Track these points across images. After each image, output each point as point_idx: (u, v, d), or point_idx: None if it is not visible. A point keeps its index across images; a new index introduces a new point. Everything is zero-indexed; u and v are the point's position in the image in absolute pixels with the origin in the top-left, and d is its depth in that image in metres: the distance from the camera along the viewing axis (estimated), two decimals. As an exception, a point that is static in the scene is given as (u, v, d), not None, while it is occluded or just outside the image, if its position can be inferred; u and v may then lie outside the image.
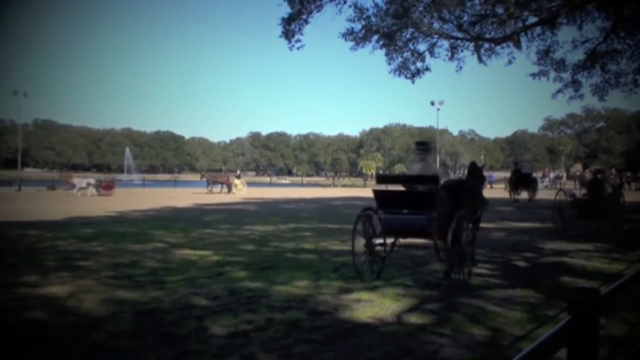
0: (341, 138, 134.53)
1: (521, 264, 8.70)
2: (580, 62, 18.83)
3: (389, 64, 17.88)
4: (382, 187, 7.83)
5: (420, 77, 18.15)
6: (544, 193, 32.68)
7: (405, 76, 18.09)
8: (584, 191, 13.37)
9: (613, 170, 32.36)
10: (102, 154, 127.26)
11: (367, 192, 38.31)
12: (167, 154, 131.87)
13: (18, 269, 7.72)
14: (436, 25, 17.22)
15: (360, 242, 7.20)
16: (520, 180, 26.26)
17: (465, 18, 17.00)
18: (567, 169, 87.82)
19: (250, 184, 53.86)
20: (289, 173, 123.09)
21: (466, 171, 9.69)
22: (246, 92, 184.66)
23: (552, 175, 54.79)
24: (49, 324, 5.10)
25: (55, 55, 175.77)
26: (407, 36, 17.31)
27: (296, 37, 16.13)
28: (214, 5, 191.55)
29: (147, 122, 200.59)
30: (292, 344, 4.51)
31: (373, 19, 16.59)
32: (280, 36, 16.22)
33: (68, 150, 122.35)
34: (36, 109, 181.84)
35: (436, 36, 17.46)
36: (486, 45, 17.69)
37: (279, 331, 4.87)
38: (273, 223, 14.81)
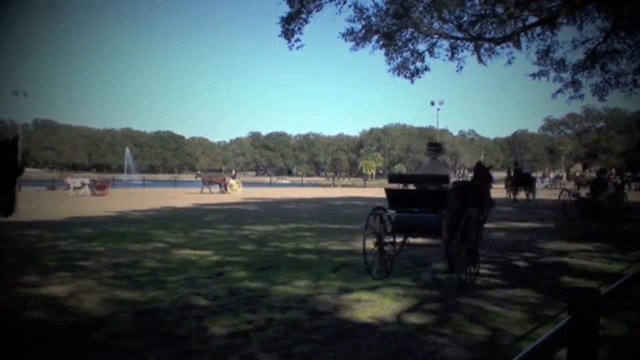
0: (341, 138, 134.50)
1: (521, 264, 8.71)
2: (580, 62, 18.82)
3: (389, 63, 17.89)
4: (394, 186, 8.04)
5: (419, 77, 18.15)
6: (544, 193, 32.70)
7: (405, 76, 18.08)
8: (586, 191, 13.45)
9: (613, 170, 32.36)
10: (102, 154, 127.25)
11: (367, 192, 38.51)
12: (167, 154, 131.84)
13: (18, 269, 7.72)
14: (436, 25, 17.22)
15: (371, 240, 7.34)
16: (520, 180, 26.35)
17: (465, 18, 16.99)
18: (567, 169, 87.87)
19: (250, 184, 53.87)
20: (289, 173, 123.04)
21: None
22: (246, 92, 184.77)
23: (552, 175, 54.78)
24: (49, 324, 5.10)
25: (55, 55, 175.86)
26: (407, 36, 17.31)
27: (296, 36, 16.13)
28: (214, 5, 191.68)
29: (147, 122, 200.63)
30: (292, 344, 4.51)
31: (373, 19, 16.59)
32: (280, 35, 16.22)
33: (68, 150, 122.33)
34: (36, 109, 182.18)
35: (436, 36, 17.45)
36: (486, 45, 17.68)
37: (279, 331, 4.87)
38: (273, 223, 14.81)
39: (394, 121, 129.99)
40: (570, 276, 7.55)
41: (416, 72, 17.99)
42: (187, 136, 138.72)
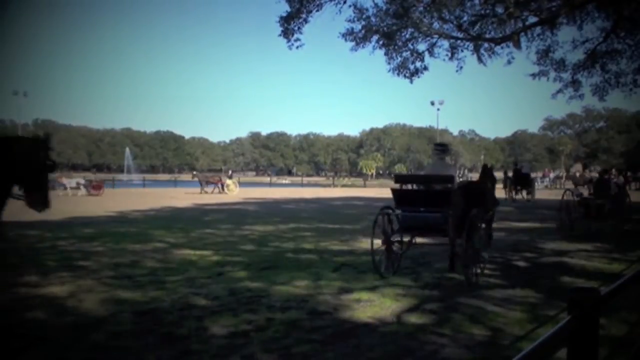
0: (341, 138, 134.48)
1: (521, 264, 8.71)
2: (580, 62, 18.81)
3: (389, 63, 17.89)
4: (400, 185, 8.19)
5: (418, 77, 18.14)
6: (544, 193, 32.70)
7: (404, 75, 18.07)
8: (589, 191, 13.61)
9: (613, 170, 32.37)
10: (102, 154, 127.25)
11: (367, 192, 38.53)
12: (167, 154, 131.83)
13: (18, 269, 7.72)
14: (436, 25, 17.21)
15: (378, 239, 7.47)
16: (519, 180, 26.42)
17: (465, 18, 16.98)
18: (567, 169, 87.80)
19: (250, 184, 53.88)
20: (289, 173, 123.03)
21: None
22: (246, 92, 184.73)
23: (552, 175, 54.81)
24: (49, 324, 5.10)
25: (55, 55, 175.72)
26: (407, 36, 17.30)
27: (295, 36, 16.11)
28: (214, 5, 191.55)
29: (147, 122, 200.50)
30: (292, 344, 4.51)
31: (373, 19, 16.58)
32: (280, 35, 16.21)
33: (68, 150, 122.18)
34: (36, 109, 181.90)
35: (436, 36, 17.45)
36: (486, 45, 17.67)
37: (279, 331, 4.87)
38: (273, 223, 14.82)
39: (394, 121, 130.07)
40: (570, 276, 7.55)
41: (415, 72, 17.99)
42: (187, 136, 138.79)
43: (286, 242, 10.86)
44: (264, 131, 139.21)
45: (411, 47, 17.60)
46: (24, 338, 4.66)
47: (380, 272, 7.28)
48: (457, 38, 17.46)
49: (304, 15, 15.75)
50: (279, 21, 16.04)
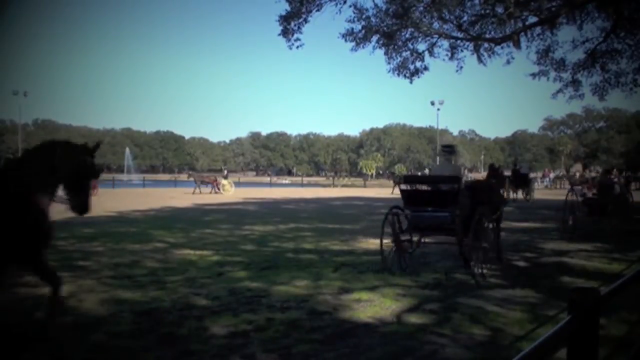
0: (341, 138, 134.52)
1: (521, 264, 8.71)
2: (580, 61, 18.81)
3: (388, 63, 17.89)
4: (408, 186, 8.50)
5: (418, 77, 18.14)
6: (544, 193, 32.72)
7: (404, 75, 18.07)
8: (593, 191, 13.83)
9: (614, 170, 32.45)
10: (102, 154, 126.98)
11: (367, 192, 38.55)
12: (167, 154, 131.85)
13: (18, 269, 7.71)
14: (436, 25, 17.21)
15: (387, 238, 7.72)
16: (518, 180, 26.49)
17: (465, 18, 16.98)
18: (567, 169, 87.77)
19: (250, 184, 53.85)
20: (289, 173, 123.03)
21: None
22: (246, 92, 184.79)
23: (552, 175, 54.86)
24: (48, 324, 5.10)
25: (55, 55, 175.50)
26: (407, 36, 17.31)
27: (295, 35, 16.11)
28: (214, 5, 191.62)
29: (147, 122, 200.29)
30: (292, 344, 4.51)
31: (373, 19, 16.57)
32: (279, 34, 16.20)
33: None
34: (36, 109, 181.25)
35: (436, 36, 17.45)
36: (486, 45, 17.67)
37: (279, 331, 4.87)
38: (273, 223, 14.82)
39: (394, 121, 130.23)
40: (570, 276, 7.55)
41: (415, 72, 17.99)
42: (187, 136, 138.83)
43: (286, 242, 10.86)
44: (264, 131, 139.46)
45: (411, 47, 17.62)
46: (23, 338, 4.66)
47: (390, 270, 7.49)
48: (457, 38, 17.47)
49: (304, 15, 15.75)
50: (279, 20, 16.03)
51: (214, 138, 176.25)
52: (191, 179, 37.58)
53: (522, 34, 16.88)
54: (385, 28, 16.65)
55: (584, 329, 2.16)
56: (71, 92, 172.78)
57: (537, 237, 12.04)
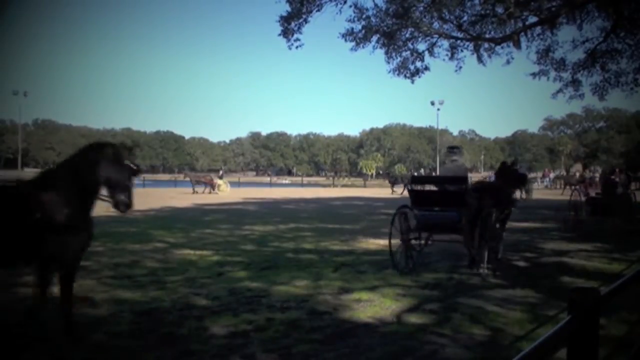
0: (341, 138, 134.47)
1: (521, 264, 8.71)
2: (581, 61, 18.79)
3: (388, 62, 17.87)
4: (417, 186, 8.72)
5: (419, 77, 18.11)
6: (544, 193, 32.70)
7: (405, 76, 18.05)
8: (597, 190, 14.03)
9: (617, 170, 32.55)
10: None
11: (367, 192, 38.56)
12: (167, 154, 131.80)
13: (18, 269, 7.71)
14: (436, 25, 17.19)
15: (396, 238, 7.85)
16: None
17: (465, 18, 16.96)
18: (567, 169, 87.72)
19: (250, 184, 53.82)
20: (289, 173, 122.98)
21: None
22: (246, 92, 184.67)
23: (552, 175, 54.88)
24: (49, 324, 5.10)
25: (55, 55, 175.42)
26: (407, 36, 17.29)
27: (295, 36, 16.09)
28: (214, 5, 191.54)
29: (147, 122, 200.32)
30: (292, 344, 4.51)
31: (373, 19, 16.56)
32: (280, 35, 16.19)
33: (68, 150, 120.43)
34: (36, 109, 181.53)
35: (436, 36, 17.43)
36: (486, 45, 17.66)
37: (279, 331, 4.87)
38: (273, 223, 14.82)
39: (394, 121, 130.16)
40: (570, 276, 7.55)
41: (416, 72, 17.97)
42: (187, 136, 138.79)
43: (286, 242, 10.86)
44: (264, 131, 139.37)
45: (411, 47, 17.59)
46: (23, 338, 4.66)
47: (398, 269, 7.61)
48: (457, 38, 17.45)
49: (304, 15, 15.74)
50: (279, 21, 16.02)
51: (214, 138, 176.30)
52: (187, 178, 37.51)
53: (522, 34, 16.87)
54: (385, 28, 16.64)
55: (584, 329, 2.16)
56: (71, 92, 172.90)
57: (537, 237, 12.05)
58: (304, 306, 5.77)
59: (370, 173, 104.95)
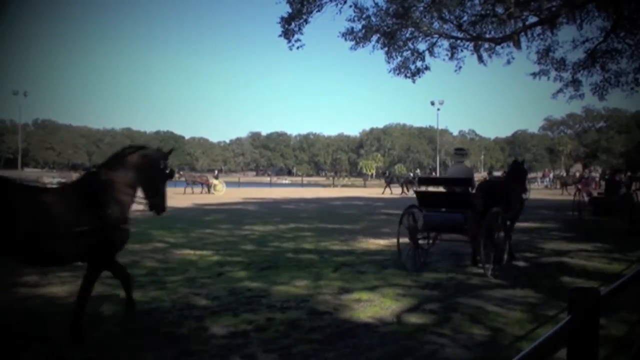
0: (341, 138, 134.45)
1: (521, 264, 8.71)
2: (581, 61, 18.80)
3: (389, 62, 17.88)
4: (423, 188, 9.01)
5: (420, 77, 18.12)
6: (543, 193, 32.68)
7: (405, 75, 18.06)
8: (599, 191, 14.17)
9: (621, 171, 32.64)
10: (102, 154, 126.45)
11: (367, 192, 38.54)
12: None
13: (18, 269, 7.71)
14: (436, 25, 17.20)
15: (404, 238, 7.99)
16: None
17: (465, 18, 16.97)
18: (567, 169, 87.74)
19: (250, 184, 53.78)
20: (289, 173, 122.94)
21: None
22: (246, 92, 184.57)
23: (552, 175, 54.94)
24: (48, 324, 5.10)
25: (55, 55, 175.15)
26: (407, 35, 17.30)
27: (296, 36, 16.09)
28: (214, 5, 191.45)
29: (147, 122, 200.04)
30: (292, 344, 4.51)
31: (373, 18, 16.57)
32: (280, 35, 16.19)
33: (68, 150, 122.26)
34: (36, 109, 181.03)
35: (436, 36, 17.44)
36: (486, 45, 17.67)
37: (279, 331, 4.87)
38: (273, 223, 14.81)
39: (394, 121, 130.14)
40: (570, 276, 7.55)
41: (417, 72, 17.98)
42: (187, 136, 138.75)
43: (286, 242, 10.86)
44: (264, 131, 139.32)
45: (411, 46, 17.61)
46: (23, 338, 4.66)
47: (406, 268, 7.72)
48: (457, 38, 17.46)
49: (304, 16, 15.74)
50: (280, 22, 16.03)
51: (214, 138, 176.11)
52: (182, 178, 37.49)
53: (522, 34, 16.88)
54: (385, 27, 16.64)
55: (584, 329, 2.16)
56: (71, 92, 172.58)
57: (537, 237, 12.05)
58: (304, 306, 5.77)
59: (370, 173, 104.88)
